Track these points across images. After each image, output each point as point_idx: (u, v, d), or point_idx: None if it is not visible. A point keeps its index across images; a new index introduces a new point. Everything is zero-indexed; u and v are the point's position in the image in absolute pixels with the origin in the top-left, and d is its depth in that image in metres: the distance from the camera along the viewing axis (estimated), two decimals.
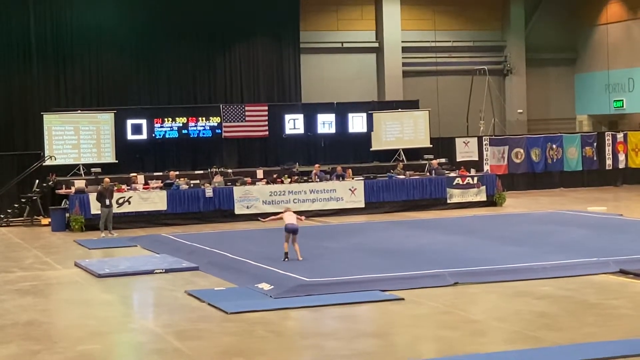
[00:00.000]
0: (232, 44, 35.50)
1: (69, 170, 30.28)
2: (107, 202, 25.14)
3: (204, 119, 32.48)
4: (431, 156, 32.73)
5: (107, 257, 20.93)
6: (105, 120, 31.22)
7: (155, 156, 32.26)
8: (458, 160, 34.35)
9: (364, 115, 34.26)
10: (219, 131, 32.52)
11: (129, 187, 28.01)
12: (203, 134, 32.46)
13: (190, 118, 32.35)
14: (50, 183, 29.13)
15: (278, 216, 18.96)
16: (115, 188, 27.28)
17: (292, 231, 18.13)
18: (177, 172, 29.52)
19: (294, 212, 19.00)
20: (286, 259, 18.04)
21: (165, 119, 32.11)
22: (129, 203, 27.18)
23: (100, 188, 25.75)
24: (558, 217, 25.85)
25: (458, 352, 11.25)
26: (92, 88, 33.72)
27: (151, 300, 16.48)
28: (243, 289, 15.94)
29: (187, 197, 27.82)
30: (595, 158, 36.59)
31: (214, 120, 32.51)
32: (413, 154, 34.03)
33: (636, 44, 39.97)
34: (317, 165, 30.64)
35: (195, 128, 32.36)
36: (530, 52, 41.28)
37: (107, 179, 26.11)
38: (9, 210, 28.83)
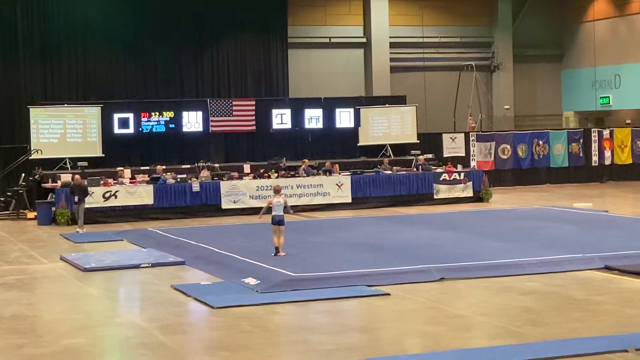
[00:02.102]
0: (220, 38, 35.45)
1: (55, 163, 30.17)
2: (76, 198, 24.67)
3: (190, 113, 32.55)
4: (418, 152, 32.75)
5: (93, 251, 20.88)
6: (92, 113, 31.13)
7: (142, 150, 32.20)
8: (445, 155, 34.40)
9: (352, 110, 34.27)
10: (206, 126, 32.52)
11: (115, 181, 27.94)
12: (189, 128, 32.46)
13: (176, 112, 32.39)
14: (36, 177, 29.04)
15: (268, 201, 18.81)
16: (102, 182, 27.24)
17: (277, 222, 18.05)
18: (164, 167, 29.46)
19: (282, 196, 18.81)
20: (276, 254, 17.98)
21: (152, 113, 32.05)
22: (116, 197, 27.10)
23: (72, 185, 25.42)
24: (544, 213, 25.93)
25: (443, 347, 11.28)
26: (79, 81, 33.64)
27: (137, 294, 16.47)
28: (229, 283, 15.94)
29: (173, 191, 27.75)
30: (581, 154, 36.69)
31: (199, 115, 32.51)
32: (400, 149, 34.05)
33: (622, 41, 40.11)
34: (305, 160, 30.61)
35: (180, 122, 32.38)
36: (517, 48, 41.38)
37: (77, 176, 25.66)
38: None
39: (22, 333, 12.64)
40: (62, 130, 30.72)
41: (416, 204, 29.62)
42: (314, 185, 29.04)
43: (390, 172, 30.38)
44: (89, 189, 25.75)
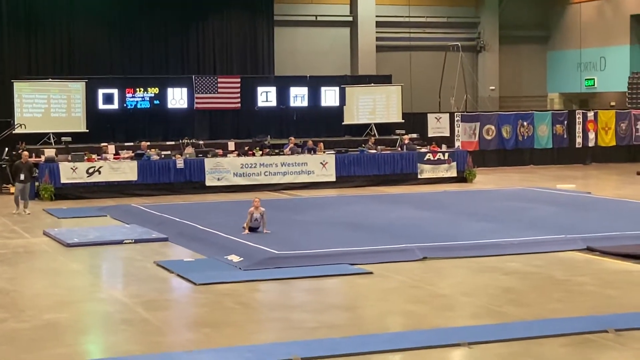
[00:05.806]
0: (206, 15, 35.32)
1: (39, 138, 30.06)
2: (22, 177, 23.53)
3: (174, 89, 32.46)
4: (403, 131, 32.75)
5: (76, 226, 20.83)
6: (76, 89, 31.01)
7: (127, 126, 32.11)
8: (429, 135, 34.39)
9: (337, 89, 34.25)
10: (191, 102, 32.45)
11: (99, 157, 27.85)
12: (174, 104, 32.38)
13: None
14: (20, 151, 28.87)
15: (249, 211, 18.51)
16: (86, 158, 27.12)
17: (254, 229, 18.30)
18: (148, 143, 29.38)
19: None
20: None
21: (137, 89, 31.96)
22: (99, 173, 27.02)
23: (18, 162, 24.32)
24: (527, 194, 26.01)
25: (425, 326, 11.34)
26: (63, 56, 33.50)
27: (120, 270, 16.45)
28: (212, 260, 15.95)
29: (157, 167, 27.68)
30: (565, 136, 36.78)
31: (183, 92, 32.42)
32: (385, 128, 34.06)
33: (608, 23, 40.17)
34: (292, 138, 30.54)
35: (164, 99, 32.29)
36: (503, 29, 41.40)
37: (25, 153, 24.93)
38: None
39: (4, 307, 12.62)
40: (46, 105, 30.60)
41: (400, 183, 29.63)
42: (298, 163, 29.02)
43: (374, 151, 30.39)
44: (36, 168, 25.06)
